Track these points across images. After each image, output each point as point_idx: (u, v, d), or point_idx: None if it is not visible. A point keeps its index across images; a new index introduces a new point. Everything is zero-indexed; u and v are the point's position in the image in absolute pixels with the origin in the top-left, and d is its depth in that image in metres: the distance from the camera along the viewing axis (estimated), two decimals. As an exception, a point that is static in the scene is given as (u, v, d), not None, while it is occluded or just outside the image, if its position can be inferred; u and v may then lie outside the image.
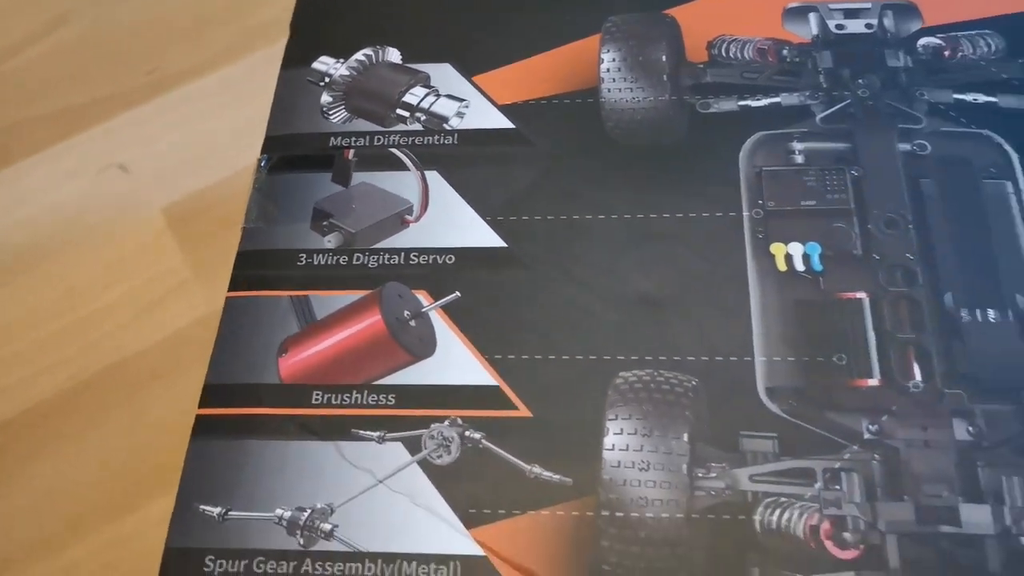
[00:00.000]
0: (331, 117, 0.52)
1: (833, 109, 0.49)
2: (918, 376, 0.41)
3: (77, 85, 0.64)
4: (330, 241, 0.48)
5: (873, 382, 0.41)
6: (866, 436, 0.40)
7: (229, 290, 0.46)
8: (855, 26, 0.52)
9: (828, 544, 0.38)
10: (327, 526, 0.40)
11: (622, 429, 0.40)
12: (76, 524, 0.44)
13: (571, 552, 0.38)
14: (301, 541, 0.39)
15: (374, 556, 0.39)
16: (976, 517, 0.38)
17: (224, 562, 0.39)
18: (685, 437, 0.40)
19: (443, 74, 0.53)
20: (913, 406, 0.40)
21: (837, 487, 0.39)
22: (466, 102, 0.52)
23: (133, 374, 0.50)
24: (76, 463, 0.46)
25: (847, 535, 0.38)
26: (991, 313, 0.42)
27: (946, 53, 0.51)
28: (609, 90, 0.51)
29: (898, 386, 0.41)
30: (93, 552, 0.44)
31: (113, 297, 0.55)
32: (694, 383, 0.41)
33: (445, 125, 0.51)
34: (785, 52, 0.52)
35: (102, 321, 0.53)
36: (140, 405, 0.45)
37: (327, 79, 0.54)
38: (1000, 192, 0.46)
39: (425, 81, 0.53)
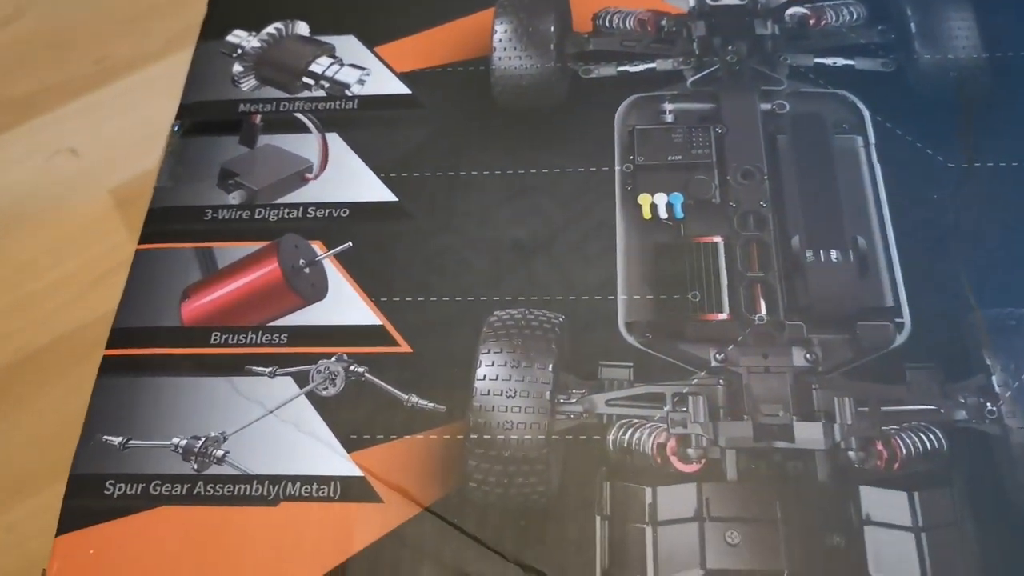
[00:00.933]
0: (241, 85, 0.56)
1: (703, 73, 0.53)
2: (763, 310, 0.45)
3: (29, 74, 0.67)
4: (234, 198, 0.51)
5: (723, 316, 0.45)
6: (713, 364, 0.44)
7: (139, 244, 0.50)
8: (730, -2, 0.56)
9: (673, 459, 0.41)
10: (219, 452, 0.43)
11: (493, 361, 0.44)
12: (19, 487, 0.47)
13: (441, 471, 0.42)
14: (195, 466, 0.43)
15: (262, 478, 0.42)
16: (808, 434, 0.41)
17: (123, 485, 0.43)
18: (550, 367, 0.43)
19: (347, 45, 0.57)
20: (757, 337, 0.44)
21: (684, 409, 0.42)
22: (367, 70, 0.55)
23: (80, 345, 0.53)
24: (24, 426, 0.49)
25: (690, 451, 0.41)
26: (833, 254, 0.46)
27: (811, 22, 0.55)
28: (500, 59, 0.55)
29: (744, 319, 0.45)
30: (34, 513, 0.47)
31: (61, 273, 0.58)
32: (560, 319, 0.45)
33: (347, 92, 0.55)
34: (663, 22, 0.55)
35: (50, 296, 0.56)
36: (87, 374, 0.48)
37: (239, 50, 0.57)
38: (851, 146, 0.50)
39: (330, 52, 0.57)
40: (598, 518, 0.40)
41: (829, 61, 0.53)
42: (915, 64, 0.52)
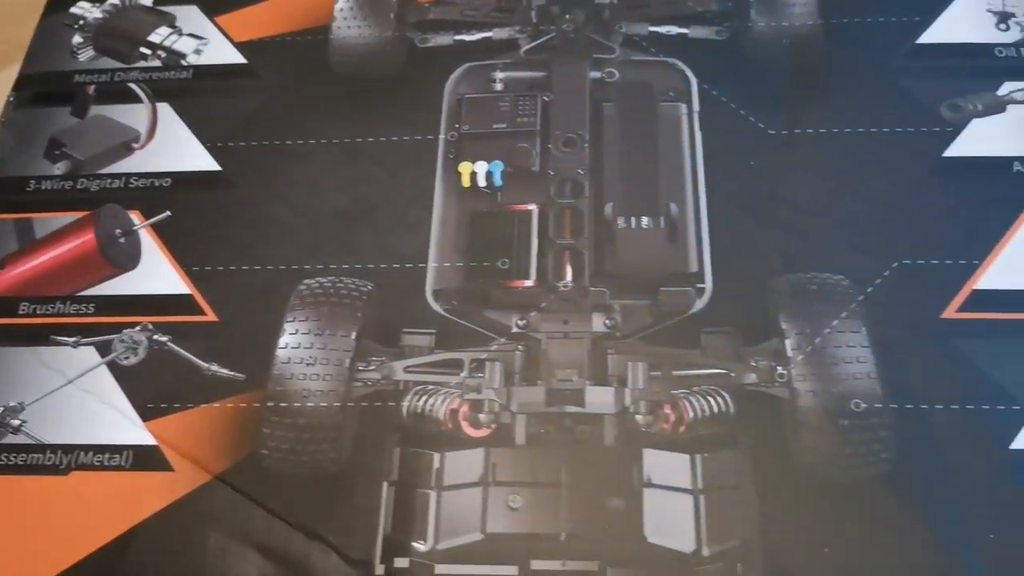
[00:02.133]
0: (79, 56, 0.55)
1: (537, 42, 0.53)
2: (569, 277, 0.45)
3: None
4: (59, 168, 0.51)
5: (529, 283, 0.45)
6: (514, 330, 0.43)
7: (-37, 215, 0.49)
8: (572, -34, 0.56)
9: (464, 425, 0.41)
10: (16, 422, 0.43)
11: (296, 330, 0.44)
12: None
13: (234, 439, 0.42)
14: (-9, 436, 0.42)
15: (55, 447, 0.42)
16: (598, 398, 0.41)
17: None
18: (353, 335, 0.43)
19: (189, 15, 0.56)
20: (560, 303, 0.44)
21: (480, 375, 0.42)
22: (205, 40, 0.55)
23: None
24: None
25: (481, 416, 0.41)
26: (644, 220, 0.46)
27: (651, -10, 0.54)
28: (339, 27, 0.54)
29: (550, 286, 0.44)
30: None
31: None
32: (369, 287, 0.45)
33: (183, 62, 0.54)
34: (505, -9, 0.55)
35: None
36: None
37: (81, 22, 0.57)
38: (674, 113, 0.49)
39: (171, 22, 0.56)
40: (385, 484, 0.40)
41: (663, 30, 0.52)
42: (749, 32, 0.52)
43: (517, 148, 0.48)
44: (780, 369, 0.41)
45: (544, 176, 0.47)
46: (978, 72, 0.49)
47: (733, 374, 0.41)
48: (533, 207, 0.47)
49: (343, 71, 0.53)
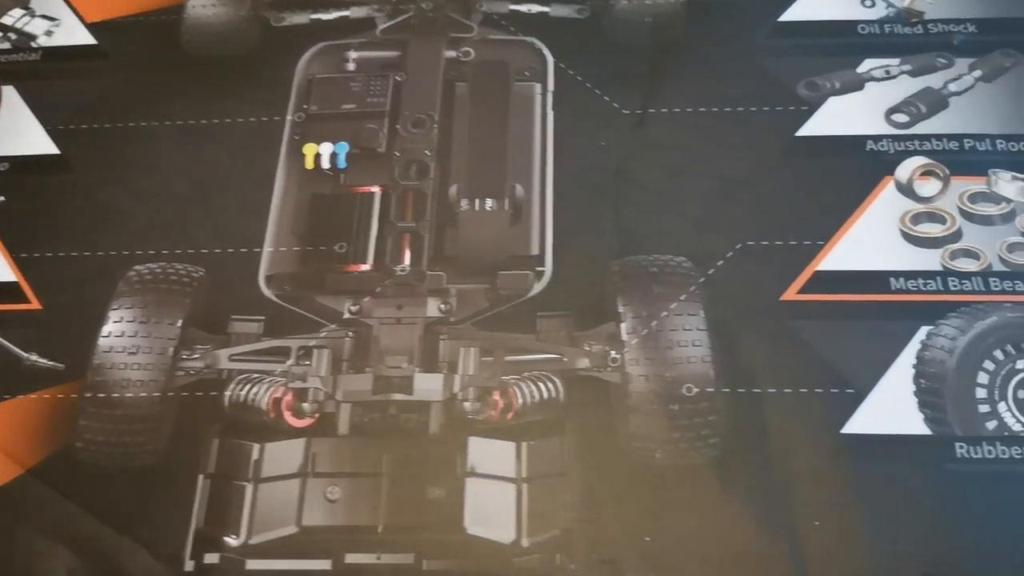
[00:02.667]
0: (-74, 38, 0.53)
1: (394, 21, 0.51)
2: (407, 261, 0.43)
3: None
4: None
5: (365, 267, 0.43)
6: (346, 316, 0.42)
7: None
8: (438, -56, 0.54)
9: (287, 414, 0.40)
10: None
11: (121, 317, 0.42)
12: None
13: (49, 432, 0.40)
14: None
15: None
16: (427, 385, 0.40)
17: None
18: (179, 323, 0.42)
19: (43, -5, 0.54)
20: (396, 287, 0.43)
21: (308, 363, 0.41)
22: (57, 21, 0.53)
23: None
24: None
25: (305, 405, 0.40)
26: (488, 203, 0.44)
27: (514, -32, 0.53)
28: (194, 6, 0.52)
29: (387, 270, 0.43)
30: None
31: None
32: (200, 273, 0.43)
33: (32, 43, 0.52)
34: (367, -31, 0.53)
35: None
36: None
37: (-68, 3, 0.55)
38: (529, 93, 0.48)
39: (24, 3, 0.54)
40: (201, 477, 0.38)
41: (524, 8, 0.51)
42: (611, 10, 0.50)
43: (364, 129, 0.47)
44: (614, 353, 0.40)
45: (390, 157, 0.46)
46: (840, 50, 0.48)
47: (566, 359, 0.40)
48: (376, 189, 0.45)
49: (195, 51, 0.51)
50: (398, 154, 0.46)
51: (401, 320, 0.41)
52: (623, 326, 0.40)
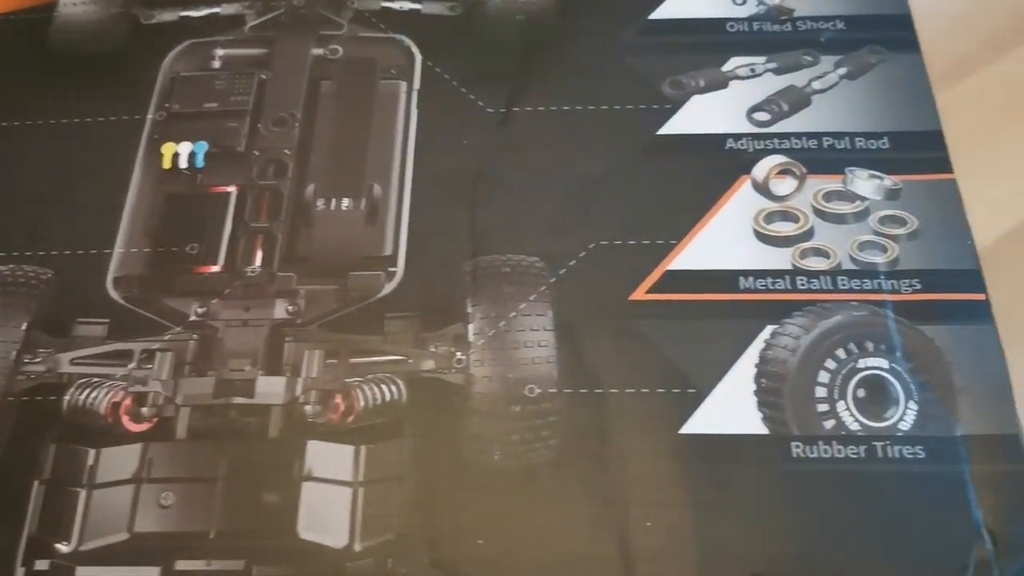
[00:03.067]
0: None
1: (263, 18, 0.50)
2: (258, 262, 0.42)
3: None
4: None
5: (216, 269, 0.42)
6: (192, 318, 0.41)
7: None
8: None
9: (125, 419, 0.39)
10: None
11: (-37, 322, 0.41)
12: None
13: None
14: None
15: None
16: (268, 388, 0.39)
17: None
18: (24, 326, 0.41)
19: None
20: (244, 289, 0.42)
21: (150, 366, 0.40)
22: (-77, 19, 0.52)
23: None
24: None
25: (144, 409, 0.39)
26: (345, 202, 0.44)
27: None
28: (65, 4, 0.51)
29: (237, 271, 0.42)
30: None
31: None
32: (48, 275, 0.42)
33: None
34: (243, -35, 0.53)
35: None
36: None
37: None
38: (395, 91, 0.47)
39: None
40: (36, 482, 0.38)
41: (396, 5, 0.51)
42: (484, 7, 0.50)
43: (224, 128, 0.46)
44: (459, 355, 0.39)
45: (249, 157, 0.45)
46: (708, 48, 0.48)
47: (411, 361, 0.39)
48: (232, 189, 0.44)
49: (64, 49, 0.50)
50: (257, 153, 0.45)
51: (248, 322, 0.41)
52: (470, 327, 0.40)
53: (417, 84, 0.48)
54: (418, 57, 0.48)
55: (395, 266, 0.42)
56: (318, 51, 0.49)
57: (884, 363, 0.38)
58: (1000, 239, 0.42)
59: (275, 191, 0.44)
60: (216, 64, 0.49)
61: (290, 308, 0.41)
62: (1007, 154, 0.45)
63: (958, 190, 0.43)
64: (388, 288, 0.42)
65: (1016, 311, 0.39)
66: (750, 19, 0.49)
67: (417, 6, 0.51)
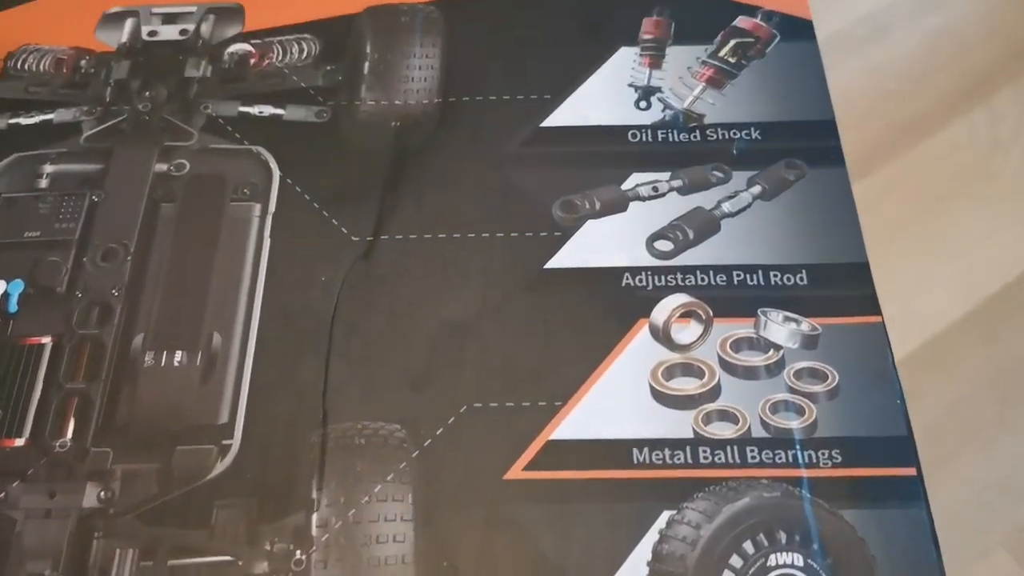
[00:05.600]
0: None
1: (102, 127, 0.44)
2: (70, 433, 0.36)
3: None
4: None
5: (19, 442, 0.36)
6: (-10, 508, 0.34)
7: None
8: (169, 32, 0.47)
9: None
10: None
11: None
12: None
13: None
14: None
15: None
16: (70, 598, 0.32)
17: None
18: None
19: None
20: (50, 469, 0.35)
21: (-74, 571, 0.33)
22: None
23: None
24: None
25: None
26: (179, 356, 0.37)
27: (253, 60, 0.46)
28: None
29: (44, 445, 0.36)
30: None
31: None
32: None
33: None
34: (83, 63, 0.46)
35: None
36: None
37: None
38: (246, 215, 0.41)
39: None
40: None
41: (256, 110, 0.44)
42: (354, 112, 0.43)
43: (44, 263, 0.39)
44: (299, 554, 0.33)
45: (71, 298, 0.38)
46: (606, 160, 0.42)
47: (241, 562, 0.33)
48: (47, 340, 0.38)
49: None
50: (80, 294, 0.39)
51: (51, 512, 0.34)
52: (314, 517, 0.33)
53: (272, 207, 0.41)
54: (276, 172, 0.42)
55: (230, 438, 0.36)
56: (161, 167, 0.42)
57: (799, 559, 0.32)
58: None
59: (97, 342, 0.38)
60: (44, 183, 0.42)
61: (102, 494, 0.35)
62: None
63: (886, 335, 0.37)
64: (220, 467, 0.35)
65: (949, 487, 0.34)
66: (654, 127, 0.43)
67: (279, 111, 0.44)
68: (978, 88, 0.48)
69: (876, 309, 0.38)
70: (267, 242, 0.40)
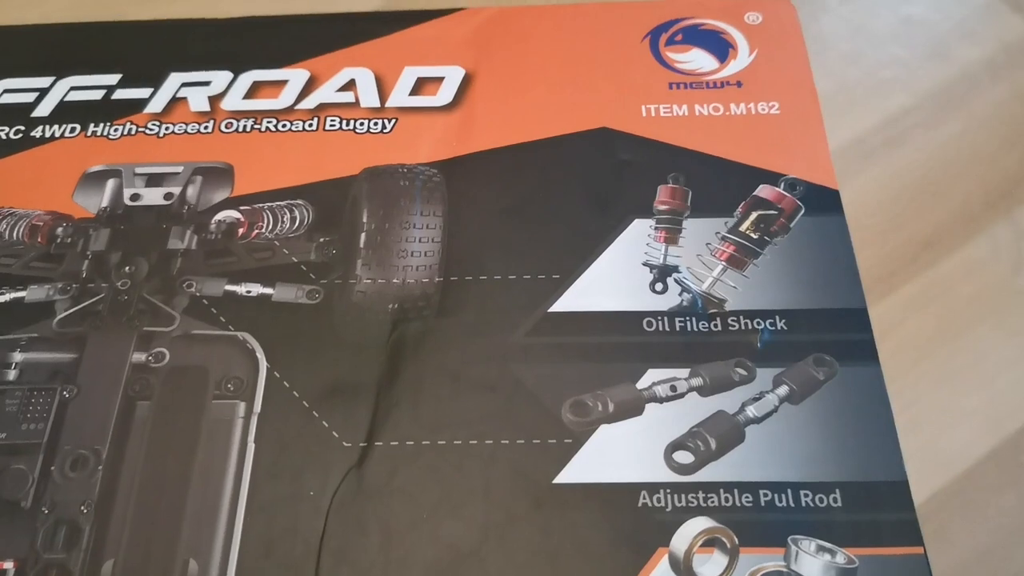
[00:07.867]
0: None
1: (75, 309, 0.40)
2: None
3: None
4: None
5: None
6: None
7: None
8: (153, 196, 0.44)
9: None
10: None
11: None
12: None
13: None
14: None
15: None
16: None
17: None
18: None
19: None
20: None
21: None
22: None
23: None
24: None
25: None
26: (154, 587, 0.34)
27: (241, 230, 0.43)
28: None
29: None
30: None
31: None
32: None
33: None
34: (60, 231, 0.43)
35: None
36: None
37: None
38: (228, 416, 0.38)
39: None
40: None
41: (243, 289, 0.41)
42: (350, 293, 0.41)
43: (9, 472, 0.36)
44: None
45: (36, 515, 0.35)
46: (620, 352, 0.39)
47: None
48: (10, 565, 0.34)
49: None
50: (46, 511, 0.35)
51: None
52: None
53: (258, 406, 0.38)
54: (263, 364, 0.39)
55: None
56: (139, 356, 0.39)
57: None
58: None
59: (64, 569, 0.34)
60: (12, 374, 0.39)
61: None
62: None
63: (928, 568, 0.33)
64: None
65: None
66: (671, 313, 0.40)
67: (268, 291, 0.41)
68: (1001, 200, 0.45)
69: (918, 538, 0.34)
70: (251, 447, 0.37)
